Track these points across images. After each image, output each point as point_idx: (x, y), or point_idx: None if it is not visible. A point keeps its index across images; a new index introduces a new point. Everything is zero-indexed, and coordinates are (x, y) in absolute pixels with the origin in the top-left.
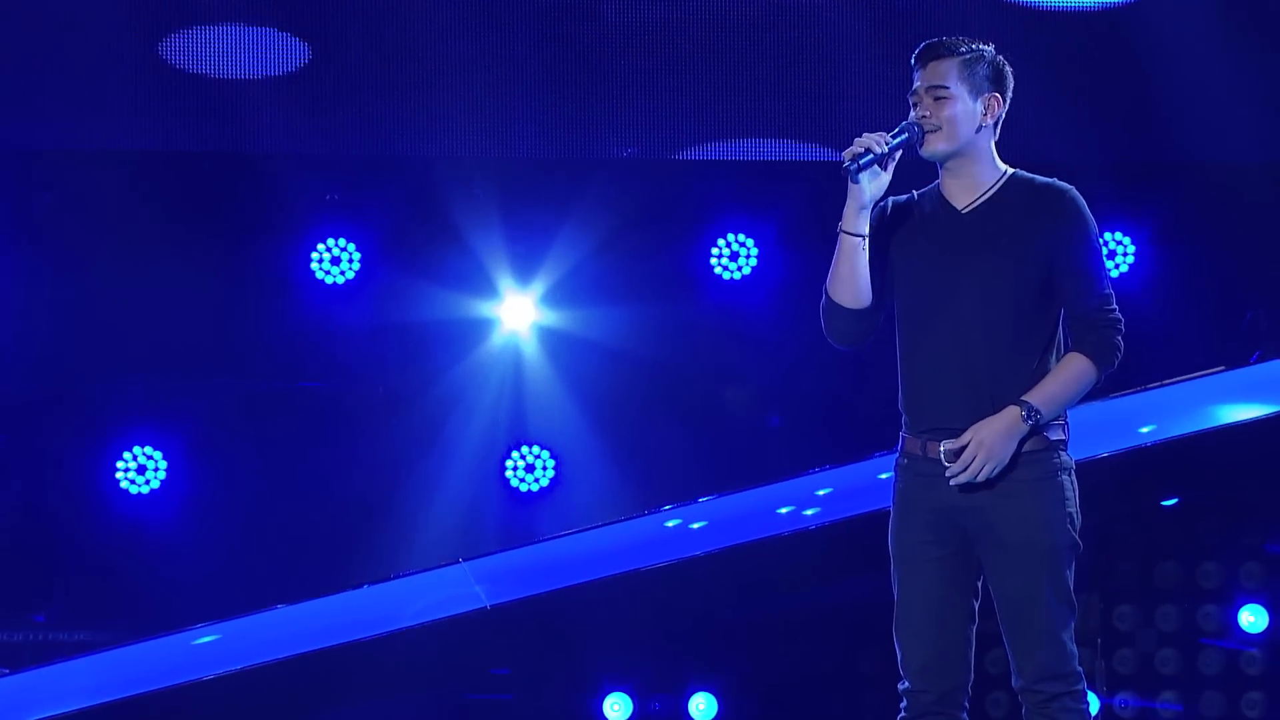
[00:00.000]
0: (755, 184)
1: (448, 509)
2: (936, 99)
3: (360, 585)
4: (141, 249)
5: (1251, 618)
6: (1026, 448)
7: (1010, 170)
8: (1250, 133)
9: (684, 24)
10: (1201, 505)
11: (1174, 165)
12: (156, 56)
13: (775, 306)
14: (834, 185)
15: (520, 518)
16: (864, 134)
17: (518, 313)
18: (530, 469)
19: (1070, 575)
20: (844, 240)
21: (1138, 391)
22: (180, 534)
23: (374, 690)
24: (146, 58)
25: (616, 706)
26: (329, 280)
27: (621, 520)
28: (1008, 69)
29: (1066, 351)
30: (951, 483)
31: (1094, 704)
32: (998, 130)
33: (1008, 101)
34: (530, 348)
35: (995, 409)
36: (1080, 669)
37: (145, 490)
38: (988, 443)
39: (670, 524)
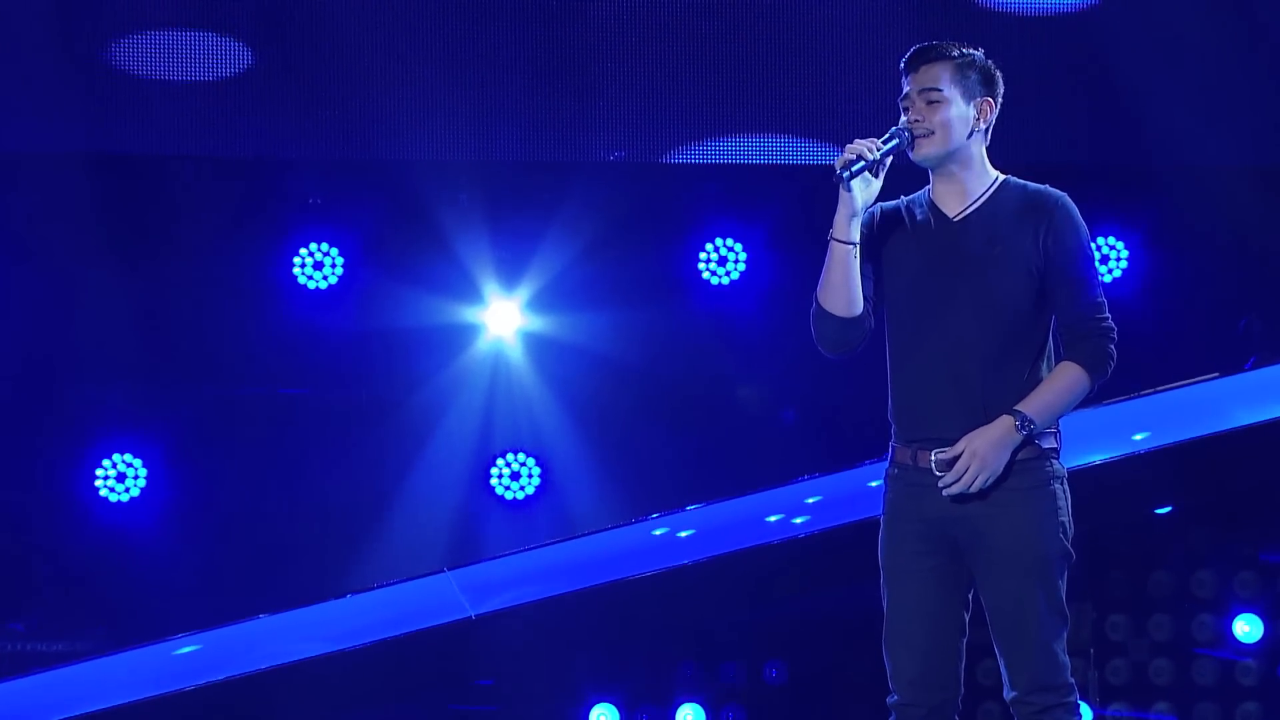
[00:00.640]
0: (743, 187)
1: (432, 517)
2: (929, 102)
3: (344, 594)
4: (121, 254)
5: (1246, 627)
6: (1019, 456)
7: (1002, 176)
8: (1243, 136)
9: (672, 26)
10: (1196, 513)
11: (1166, 169)
12: (134, 60)
13: (764, 311)
14: (823, 189)
15: (506, 526)
16: (855, 141)
17: (503, 318)
18: (516, 476)
19: (1063, 585)
20: (835, 248)
21: (1131, 398)
22: (160, 542)
23: (357, 701)
24: (125, 61)
25: (603, 717)
26: (312, 285)
27: (608, 529)
28: (998, 73)
29: (1058, 360)
30: (944, 493)
31: (1087, 715)
32: (989, 135)
33: (999, 106)
34: (515, 354)
35: (988, 418)
36: (1073, 680)
37: (125, 498)
38: (981, 453)
39: (658, 532)
